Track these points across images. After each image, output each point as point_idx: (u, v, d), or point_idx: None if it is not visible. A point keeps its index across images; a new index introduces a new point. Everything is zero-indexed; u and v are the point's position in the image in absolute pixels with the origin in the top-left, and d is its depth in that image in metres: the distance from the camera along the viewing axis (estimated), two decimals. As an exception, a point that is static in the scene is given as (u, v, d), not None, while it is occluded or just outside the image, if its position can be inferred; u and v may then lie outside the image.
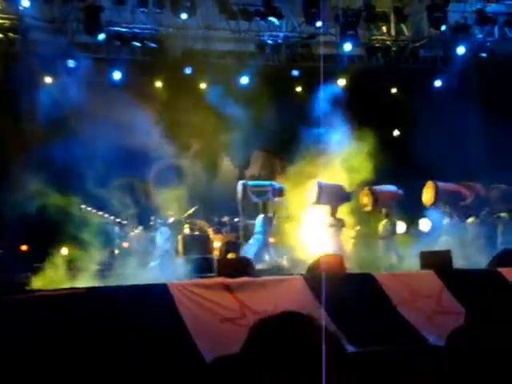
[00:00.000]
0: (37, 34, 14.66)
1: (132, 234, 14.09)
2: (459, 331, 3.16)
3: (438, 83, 17.16)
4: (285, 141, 15.39)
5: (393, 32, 16.74)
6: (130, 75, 15.33)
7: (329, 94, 16.02)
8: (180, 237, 13.72)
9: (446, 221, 14.24)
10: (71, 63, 14.72)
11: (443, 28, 15.76)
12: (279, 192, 13.83)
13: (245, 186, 13.90)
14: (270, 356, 1.25)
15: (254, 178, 16.30)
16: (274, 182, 14.12)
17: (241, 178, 16.91)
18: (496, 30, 16.34)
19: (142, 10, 14.92)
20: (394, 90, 17.14)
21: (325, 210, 13.86)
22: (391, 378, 6.75)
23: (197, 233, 14.24)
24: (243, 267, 9.82)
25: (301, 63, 16.50)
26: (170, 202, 14.58)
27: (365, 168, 14.76)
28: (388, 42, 16.82)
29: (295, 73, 16.47)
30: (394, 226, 13.72)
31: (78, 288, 8.82)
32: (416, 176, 14.84)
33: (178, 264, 12.64)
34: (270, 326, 1.25)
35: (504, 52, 16.43)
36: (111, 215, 14.26)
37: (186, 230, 13.96)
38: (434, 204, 14.06)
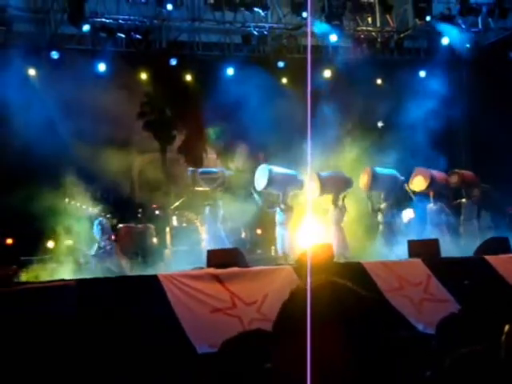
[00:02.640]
0: (21, 25, 14.50)
1: (119, 226, 14.03)
2: (449, 319, 3.21)
3: (422, 74, 17.24)
4: (269, 133, 15.38)
5: (378, 23, 16.77)
6: (114, 67, 15.22)
7: (314, 86, 16.06)
8: (168, 228, 13.71)
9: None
10: (55, 55, 14.58)
11: (428, 19, 15.81)
12: (301, 185, 13.85)
13: (193, 173, 13.89)
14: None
15: (238, 170, 16.27)
16: (296, 173, 14.07)
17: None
18: (479, 20, 16.41)
19: (126, 0, 14.78)
20: (378, 81, 17.19)
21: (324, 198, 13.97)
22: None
23: (184, 224, 14.24)
24: (233, 258, 9.85)
25: (286, 54, 16.48)
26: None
27: (349, 157, 14.90)
28: (373, 33, 16.86)
29: (281, 64, 16.44)
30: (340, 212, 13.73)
31: (68, 280, 8.78)
32: (400, 164, 14.96)
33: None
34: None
35: (487, 42, 16.53)
36: (96, 209, 14.19)
37: (174, 222, 13.95)
38: (370, 189, 14.20)
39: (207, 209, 13.49)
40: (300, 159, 14.95)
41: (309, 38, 16.08)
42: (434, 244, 10.61)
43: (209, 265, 9.68)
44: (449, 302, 9.29)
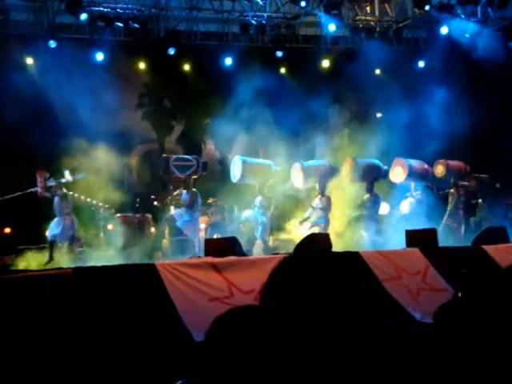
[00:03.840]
0: (18, 13, 14.43)
1: (117, 216, 14.02)
2: (446, 307, 3.19)
3: (421, 64, 17.19)
4: (268, 124, 15.35)
5: (377, 12, 16.72)
6: (112, 56, 15.17)
7: (313, 75, 16.03)
8: (165, 218, 13.70)
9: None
10: (52, 44, 14.51)
11: (427, 8, 15.75)
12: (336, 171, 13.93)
13: (166, 160, 13.89)
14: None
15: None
16: (326, 162, 14.14)
17: (223, 161, 16.89)
18: (479, 9, 16.35)
19: (124, -11, 14.73)
20: (377, 71, 17.15)
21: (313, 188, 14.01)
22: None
23: (182, 214, 14.22)
24: (230, 247, 9.82)
25: (285, 44, 16.43)
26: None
27: (347, 146, 14.91)
28: (372, 23, 16.80)
29: (279, 54, 16.39)
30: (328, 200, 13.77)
31: (65, 268, 8.76)
32: (398, 155, 14.94)
33: None
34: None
35: (487, 32, 16.46)
36: (95, 199, 14.18)
37: (172, 212, 13.93)
38: (352, 179, 14.24)
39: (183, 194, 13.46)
40: (297, 151, 15.01)
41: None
42: (431, 233, 10.60)
43: (206, 254, 9.66)
44: (447, 292, 9.27)
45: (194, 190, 13.62)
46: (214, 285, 8.81)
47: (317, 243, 9.98)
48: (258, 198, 13.77)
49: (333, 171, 13.98)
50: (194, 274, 8.85)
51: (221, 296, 8.69)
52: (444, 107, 16.01)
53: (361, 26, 16.62)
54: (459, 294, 3.28)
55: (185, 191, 13.64)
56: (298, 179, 14.03)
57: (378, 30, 16.76)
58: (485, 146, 16.41)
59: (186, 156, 14.54)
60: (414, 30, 17.49)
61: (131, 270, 8.87)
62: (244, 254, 9.93)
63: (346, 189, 14.23)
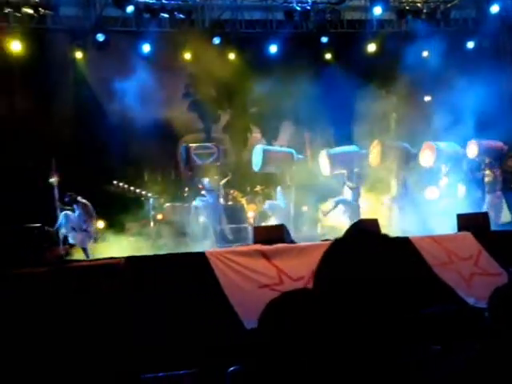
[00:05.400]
0: (67, 8, 14.66)
1: (166, 205, 14.18)
2: (502, 291, 3.13)
3: (470, 45, 16.82)
4: (314, 111, 15.26)
5: (423, -7, 16.43)
6: (158, 48, 15.29)
7: (359, 60, 15.85)
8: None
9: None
10: (100, 37, 14.72)
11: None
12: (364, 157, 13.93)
13: (187, 149, 13.88)
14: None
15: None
16: (354, 148, 14.11)
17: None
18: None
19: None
20: (424, 54, 16.85)
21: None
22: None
23: (230, 203, 14.29)
24: (279, 234, 9.84)
25: (330, 29, 16.29)
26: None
27: (395, 131, 14.75)
28: (418, 5, 16.50)
29: (324, 39, 16.26)
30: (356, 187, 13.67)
31: (117, 258, 8.91)
32: (448, 139, 14.69)
33: None
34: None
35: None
36: (143, 190, 14.37)
37: (221, 200, 14.01)
38: (381, 162, 14.06)
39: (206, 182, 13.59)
40: (343, 137, 14.92)
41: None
42: (483, 217, 10.41)
43: (255, 241, 9.70)
44: (500, 276, 9.13)
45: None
46: (264, 272, 8.86)
47: (366, 228, 9.92)
48: (279, 187, 13.72)
49: (360, 157, 13.84)
50: (244, 261, 8.91)
51: (271, 283, 8.72)
52: (495, 89, 15.64)
53: (407, 8, 16.35)
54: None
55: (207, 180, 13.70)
56: (325, 167, 14.00)
57: (424, 11, 16.44)
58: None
59: (206, 144, 14.58)
60: (463, 10, 17.10)
61: (182, 259, 8.98)
62: (292, 242, 9.94)
63: (374, 174, 14.13)
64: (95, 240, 12.26)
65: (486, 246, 9.76)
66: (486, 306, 3.29)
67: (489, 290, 3.29)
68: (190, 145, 14.33)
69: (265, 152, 13.78)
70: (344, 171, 13.85)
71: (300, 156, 14.20)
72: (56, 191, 11.96)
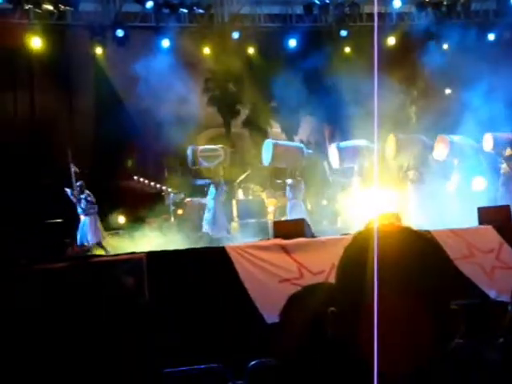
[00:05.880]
0: (86, 4, 14.74)
1: (187, 201, 14.23)
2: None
3: (491, 37, 16.66)
4: (334, 106, 15.22)
5: (443, -14, 16.28)
6: (178, 43, 15.33)
7: (378, 54, 15.74)
8: (234, 201, 13.80)
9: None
10: (120, 33, 14.79)
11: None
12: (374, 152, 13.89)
13: (194, 151, 13.80)
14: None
15: (302, 143, 16.23)
16: (363, 142, 14.08)
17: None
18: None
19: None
20: (445, 47, 16.71)
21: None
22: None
23: (250, 197, 14.31)
24: (299, 228, 9.84)
25: (349, 23, 16.22)
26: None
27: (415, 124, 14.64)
28: (438, -3, 16.38)
29: (343, 33, 16.19)
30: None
31: (138, 253, 8.97)
32: (469, 133, 14.56)
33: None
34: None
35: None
36: (163, 185, 14.42)
37: (240, 195, 14.03)
38: (396, 156, 13.94)
39: (210, 186, 13.56)
40: (363, 131, 14.84)
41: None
42: (505, 210, 10.32)
43: (275, 236, 9.71)
44: (522, 270, 9.06)
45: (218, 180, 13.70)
46: (284, 266, 8.86)
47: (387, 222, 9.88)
48: (289, 181, 13.67)
49: (370, 151, 13.75)
50: (264, 255, 8.93)
51: (291, 277, 8.73)
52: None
53: (427, 0, 16.22)
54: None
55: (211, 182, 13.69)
56: (334, 160, 13.97)
57: (444, 3, 16.31)
58: None
59: (212, 146, 14.51)
60: (483, 2, 16.92)
61: (202, 254, 9.02)
62: (313, 236, 9.93)
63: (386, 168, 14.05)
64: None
65: (508, 240, 9.68)
66: (508, 299, 3.27)
67: (511, 283, 3.28)
68: (197, 147, 14.31)
69: (274, 146, 13.74)
70: (353, 165, 13.77)
71: (309, 151, 14.16)
72: (74, 180, 12.07)
